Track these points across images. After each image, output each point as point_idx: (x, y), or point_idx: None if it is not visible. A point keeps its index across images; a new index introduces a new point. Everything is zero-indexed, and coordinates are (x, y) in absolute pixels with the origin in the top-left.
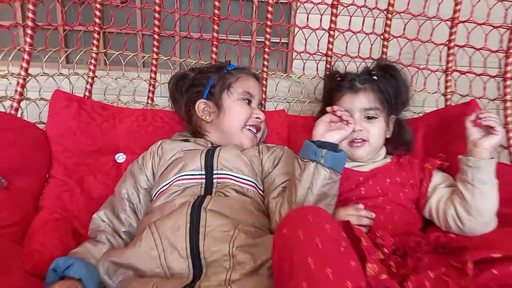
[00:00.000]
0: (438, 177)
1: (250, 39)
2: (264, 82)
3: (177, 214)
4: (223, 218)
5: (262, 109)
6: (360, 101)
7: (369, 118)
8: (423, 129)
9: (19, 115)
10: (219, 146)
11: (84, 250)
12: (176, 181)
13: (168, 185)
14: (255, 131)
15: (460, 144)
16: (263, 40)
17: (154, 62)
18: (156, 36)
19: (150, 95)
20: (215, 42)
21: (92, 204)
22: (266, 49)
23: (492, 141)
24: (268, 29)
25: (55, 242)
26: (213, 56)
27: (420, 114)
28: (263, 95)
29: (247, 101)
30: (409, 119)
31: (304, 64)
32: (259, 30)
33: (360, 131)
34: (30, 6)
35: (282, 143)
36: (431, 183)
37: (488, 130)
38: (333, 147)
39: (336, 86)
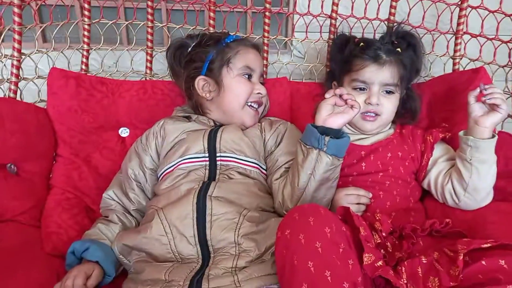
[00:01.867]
0: (439, 150)
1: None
2: (266, 48)
3: (183, 202)
4: (228, 205)
5: (263, 80)
6: (384, 75)
7: (387, 92)
8: (428, 96)
9: (18, 97)
10: (221, 126)
11: (97, 231)
12: (180, 164)
13: (173, 167)
14: (256, 107)
15: (465, 114)
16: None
17: (149, 30)
18: (149, 3)
19: (148, 64)
20: (212, 7)
21: (100, 181)
22: (267, 13)
23: (494, 120)
24: None
25: (70, 223)
26: (211, 22)
27: (427, 78)
28: (264, 66)
29: (247, 76)
30: (414, 84)
31: (307, 27)
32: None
33: (376, 105)
34: None
35: (285, 114)
36: (432, 157)
37: (492, 107)
38: (336, 133)
39: (358, 53)
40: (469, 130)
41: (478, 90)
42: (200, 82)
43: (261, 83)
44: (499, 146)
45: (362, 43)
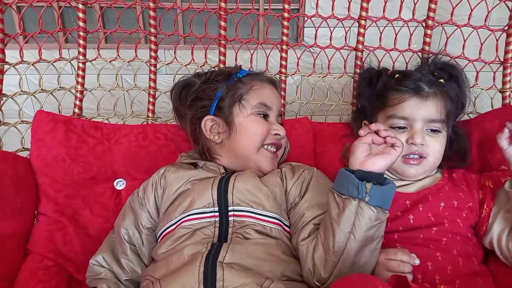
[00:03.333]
0: (501, 199)
1: (250, 7)
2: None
3: (187, 271)
4: (244, 273)
5: (281, 120)
6: (428, 110)
7: (432, 130)
8: (478, 134)
9: None
10: (233, 173)
11: None
12: (184, 221)
13: (175, 226)
14: (274, 150)
15: None
16: (270, 8)
17: (153, 38)
18: (152, 38)
19: (150, 107)
20: (223, 14)
21: (89, 243)
22: (284, 47)
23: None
24: (285, 22)
25: None
26: (222, 32)
27: (471, 115)
28: (282, 105)
29: (262, 115)
30: (459, 122)
31: (329, 62)
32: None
33: (421, 145)
34: None
35: (308, 159)
36: (494, 207)
37: None
38: (378, 178)
39: (395, 85)
40: None
41: (507, 131)
42: (208, 123)
43: (279, 123)
44: None
45: (397, 75)
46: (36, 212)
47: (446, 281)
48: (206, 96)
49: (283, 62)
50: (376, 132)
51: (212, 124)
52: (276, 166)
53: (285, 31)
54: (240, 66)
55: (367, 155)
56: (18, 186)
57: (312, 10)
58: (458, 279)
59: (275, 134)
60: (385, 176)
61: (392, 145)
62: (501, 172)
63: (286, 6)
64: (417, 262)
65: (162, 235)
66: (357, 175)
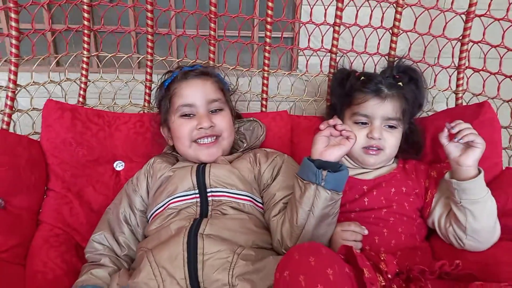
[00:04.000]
0: (443, 187)
1: (250, 35)
2: (266, 81)
3: (173, 242)
4: (220, 243)
5: (223, 104)
6: (386, 109)
7: (389, 127)
8: (432, 130)
9: (11, 128)
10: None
11: (89, 276)
12: (170, 203)
13: (162, 208)
14: (208, 141)
15: None
16: (263, 36)
17: (149, 63)
18: (149, 37)
19: (147, 97)
20: (212, 41)
21: (92, 217)
22: (267, 47)
23: (475, 156)
24: (268, 26)
25: (57, 262)
26: (211, 55)
27: (429, 113)
28: (265, 92)
29: (187, 115)
30: (417, 119)
31: (307, 61)
32: (262, 26)
33: (379, 139)
34: (13, 15)
35: (285, 148)
36: (436, 194)
37: (468, 143)
38: (333, 166)
39: (360, 87)
40: (453, 172)
41: (446, 130)
42: (164, 131)
43: (216, 110)
44: (508, 183)
45: (363, 77)
46: (46, 188)
47: (389, 252)
48: (159, 107)
49: (266, 61)
50: (334, 126)
51: (166, 132)
52: (219, 153)
53: (268, 34)
54: (171, 71)
55: (326, 146)
56: (32, 165)
57: None
58: (400, 251)
59: (200, 128)
60: (341, 163)
61: (347, 138)
62: (447, 164)
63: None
64: (366, 232)
65: (152, 216)
66: (316, 164)
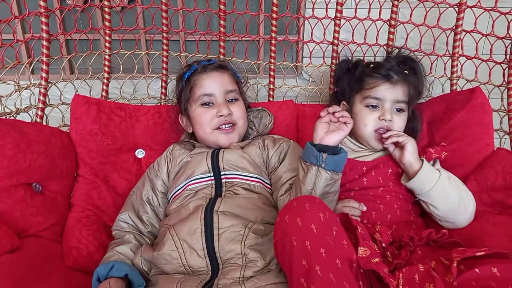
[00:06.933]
0: None
1: (256, 38)
2: (272, 73)
3: (192, 218)
4: (234, 218)
5: (237, 95)
6: (397, 93)
7: (398, 110)
8: (428, 115)
9: (44, 122)
10: (220, 148)
11: (115, 252)
12: (188, 185)
13: (181, 189)
14: (227, 127)
15: (462, 132)
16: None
17: (164, 59)
18: (164, 34)
19: (163, 90)
20: (222, 37)
21: (118, 199)
22: (273, 41)
23: (408, 153)
24: (274, 21)
25: (90, 239)
26: (221, 50)
27: (427, 99)
28: (271, 89)
29: (207, 104)
30: (415, 105)
31: (310, 52)
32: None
33: (390, 121)
34: (43, 19)
35: (291, 134)
36: None
37: (397, 144)
38: (333, 149)
39: (371, 72)
40: (405, 172)
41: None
42: (182, 120)
43: (232, 100)
44: (498, 161)
45: (372, 64)
46: (76, 174)
47: (385, 225)
48: (178, 97)
49: (272, 54)
50: (333, 114)
51: (184, 120)
52: (236, 138)
53: (273, 28)
54: (190, 65)
55: (326, 131)
56: (64, 154)
57: None
58: (395, 225)
59: (220, 116)
60: (340, 147)
61: (345, 123)
62: (440, 147)
63: None
64: (365, 208)
65: (173, 197)
66: (317, 148)
